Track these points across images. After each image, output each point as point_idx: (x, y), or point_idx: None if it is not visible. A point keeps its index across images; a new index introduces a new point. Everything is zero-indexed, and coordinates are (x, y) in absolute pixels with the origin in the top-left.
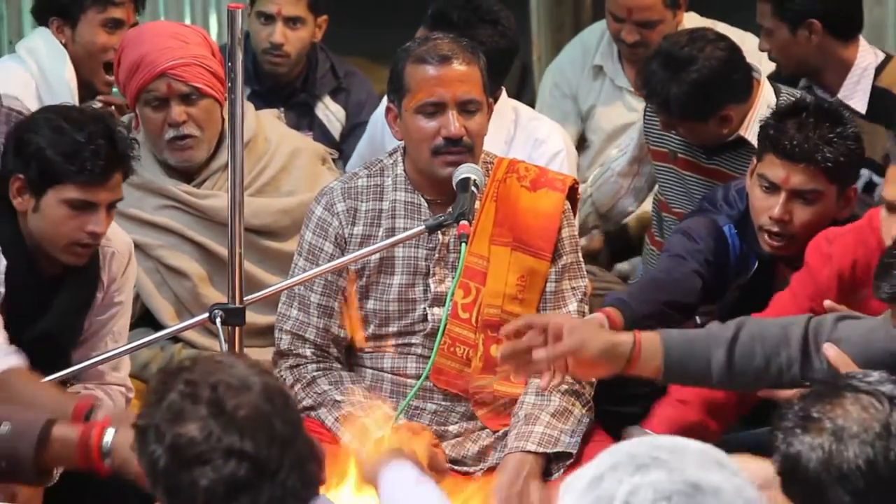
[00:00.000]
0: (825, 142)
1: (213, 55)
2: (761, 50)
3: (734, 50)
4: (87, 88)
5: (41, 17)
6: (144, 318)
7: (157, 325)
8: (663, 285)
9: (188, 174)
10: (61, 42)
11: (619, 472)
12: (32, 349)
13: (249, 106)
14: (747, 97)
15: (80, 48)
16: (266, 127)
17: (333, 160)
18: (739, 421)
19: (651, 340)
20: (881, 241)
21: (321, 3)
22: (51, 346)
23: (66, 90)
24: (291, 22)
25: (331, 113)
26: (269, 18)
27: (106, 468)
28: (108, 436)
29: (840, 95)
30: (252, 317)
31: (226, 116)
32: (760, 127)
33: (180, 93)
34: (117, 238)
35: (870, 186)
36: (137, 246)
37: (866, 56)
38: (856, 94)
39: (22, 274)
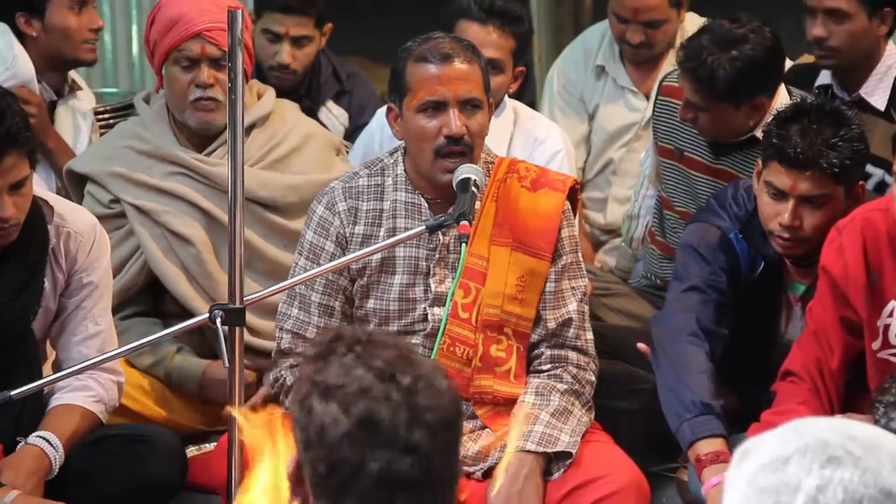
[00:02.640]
0: (829, 147)
1: (245, 28)
2: (818, 35)
3: (778, 40)
4: (66, 67)
5: (5, 16)
6: (150, 288)
7: (158, 306)
8: (706, 360)
9: (200, 142)
10: (32, 35)
11: (807, 458)
12: None
13: (271, 90)
14: (774, 93)
15: (53, 35)
16: (285, 109)
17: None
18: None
19: None
20: (889, 223)
21: (325, 15)
22: None
23: (32, 81)
24: (299, 41)
25: (334, 117)
26: (276, 37)
27: None
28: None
29: (862, 92)
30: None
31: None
32: (764, 133)
33: (212, 56)
34: (76, 218)
35: (881, 186)
36: (146, 211)
37: (892, 54)
38: (877, 92)
39: None
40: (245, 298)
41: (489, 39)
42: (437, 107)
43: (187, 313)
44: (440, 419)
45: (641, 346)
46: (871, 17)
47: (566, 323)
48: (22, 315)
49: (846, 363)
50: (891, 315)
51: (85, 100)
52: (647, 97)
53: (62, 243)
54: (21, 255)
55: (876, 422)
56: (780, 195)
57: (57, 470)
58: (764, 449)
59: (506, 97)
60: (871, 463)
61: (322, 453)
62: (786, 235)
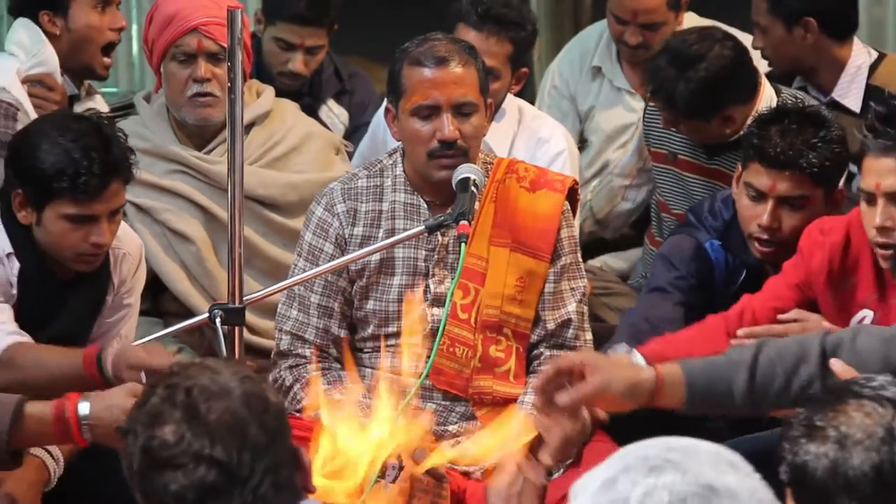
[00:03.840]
0: (809, 147)
1: (244, 27)
2: (754, 47)
3: (742, 51)
4: (78, 75)
5: (28, 13)
6: (149, 287)
7: (159, 305)
8: (649, 331)
9: (200, 140)
10: (54, 33)
11: (632, 473)
12: None
13: (270, 89)
14: (752, 98)
15: (76, 34)
16: (285, 108)
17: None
18: (735, 427)
19: (673, 373)
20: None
21: (335, 21)
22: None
23: (57, 72)
24: (312, 50)
25: (334, 115)
26: (289, 46)
27: (86, 440)
28: (84, 408)
29: (834, 94)
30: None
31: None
32: (744, 135)
33: (209, 50)
34: (128, 239)
35: None
36: (145, 209)
37: (860, 55)
38: (850, 93)
39: (35, 277)
40: (245, 298)
41: (484, 47)
42: (431, 111)
43: (187, 313)
44: (225, 420)
45: None
46: (790, 29)
47: (565, 324)
48: (85, 342)
49: (774, 308)
50: (860, 323)
51: (100, 104)
52: (644, 98)
53: (119, 265)
54: (88, 284)
55: (783, 459)
56: (759, 196)
57: (55, 482)
58: (594, 478)
59: (510, 97)
60: (691, 465)
61: (138, 485)
62: (764, 237)
